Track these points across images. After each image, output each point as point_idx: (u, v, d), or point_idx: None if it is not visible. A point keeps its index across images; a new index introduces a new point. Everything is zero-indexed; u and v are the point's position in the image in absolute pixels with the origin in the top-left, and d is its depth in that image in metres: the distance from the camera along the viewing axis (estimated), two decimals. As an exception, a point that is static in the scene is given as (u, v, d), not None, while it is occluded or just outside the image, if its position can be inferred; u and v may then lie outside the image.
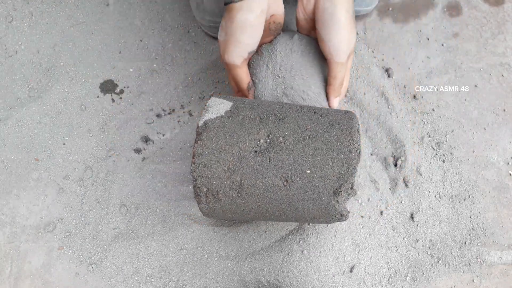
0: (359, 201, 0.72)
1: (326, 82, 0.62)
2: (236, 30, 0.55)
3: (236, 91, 0.63)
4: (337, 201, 0.53)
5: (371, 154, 0.74)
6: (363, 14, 0.79)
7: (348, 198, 0.54)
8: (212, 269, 0.69)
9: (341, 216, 0.55)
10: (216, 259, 0.69)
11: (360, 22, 0.80)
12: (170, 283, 0.69)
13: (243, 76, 0.59)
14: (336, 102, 0.63)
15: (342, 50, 0.58)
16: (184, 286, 0.69)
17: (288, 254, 0.69)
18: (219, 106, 0.54)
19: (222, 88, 0.77)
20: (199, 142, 0.52)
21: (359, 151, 0.53)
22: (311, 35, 0.63)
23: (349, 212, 0.56)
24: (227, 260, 0.69)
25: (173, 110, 0.76)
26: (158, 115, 0.76)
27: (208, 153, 0.51)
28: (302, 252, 0.69)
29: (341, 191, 0.52)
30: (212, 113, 0.54)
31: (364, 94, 0.76)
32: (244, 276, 0.69)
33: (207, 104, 0.55)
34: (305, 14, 0.60)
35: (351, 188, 0.53)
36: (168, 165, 0.74)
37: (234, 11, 0.54)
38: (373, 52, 0.78)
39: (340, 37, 0.57)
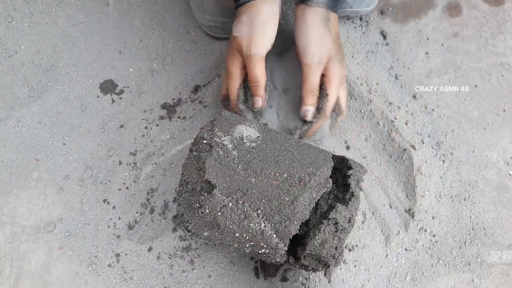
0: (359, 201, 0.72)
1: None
2: (265, 21, 0.60)
3: (230, 95, 0.65)
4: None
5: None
6: (363, 14, 0.79)
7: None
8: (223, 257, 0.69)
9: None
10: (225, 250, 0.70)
11: (360, 22, 0.80)
12: (170, 277, 0.69)
13: (263, 70, 0.62)
14: (309, 111, 0.64)
15: (311, 52, 0.61)
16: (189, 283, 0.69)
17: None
18: (227, 127, 0.54)
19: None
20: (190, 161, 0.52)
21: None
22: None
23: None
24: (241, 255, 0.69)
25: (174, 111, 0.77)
26: (162, 117, 0.76)
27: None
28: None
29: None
30: (218, 134, 0.53)
31: (365, 94, 0.76)
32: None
33: (215, 120, 0.54)
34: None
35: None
36: (168, 164, 0.74)
37: (259, 5, 0.59)
38: (373, 52, 0.78)
39: (307, 38, 0.61)
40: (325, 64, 0.63)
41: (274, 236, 0.50)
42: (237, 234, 0.50)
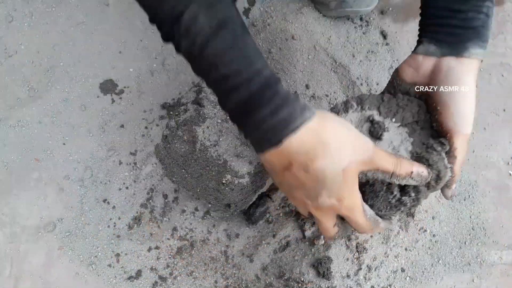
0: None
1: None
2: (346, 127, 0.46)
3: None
4: None
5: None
6: (363, 14, 0.79)
7: None
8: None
9: None
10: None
11: (360, 22, 0.80)
12: (170, 277, 0.69)
13: None
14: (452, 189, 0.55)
15: (470, 121, 0.51)
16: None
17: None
18: None
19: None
20: None
21: None
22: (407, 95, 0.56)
23: None
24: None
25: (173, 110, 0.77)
26: (162, 117, 0.76)
27: None
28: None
29: None
30: None
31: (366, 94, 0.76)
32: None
33: None
34: (416, 73, 0.54)
35: None
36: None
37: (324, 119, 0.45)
38: (373, 52, 0.78)
39: (471, 104, 0.50)
40: None
41: None
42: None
